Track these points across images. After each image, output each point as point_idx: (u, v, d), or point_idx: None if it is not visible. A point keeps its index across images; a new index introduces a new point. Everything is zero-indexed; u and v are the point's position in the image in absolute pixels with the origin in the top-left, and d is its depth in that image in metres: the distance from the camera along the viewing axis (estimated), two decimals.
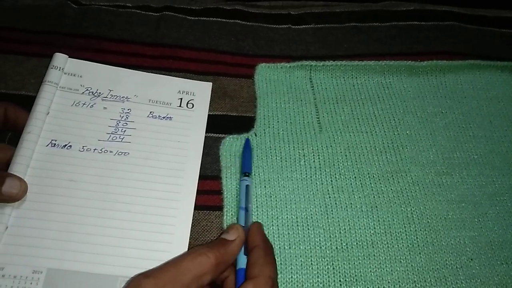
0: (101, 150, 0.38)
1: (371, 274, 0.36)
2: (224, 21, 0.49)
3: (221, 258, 0.28)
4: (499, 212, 0.40)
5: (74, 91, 0.40)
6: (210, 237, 0.37)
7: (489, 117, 0.46)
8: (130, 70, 0.43)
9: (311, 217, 0.38)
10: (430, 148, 0.43)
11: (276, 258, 0.35)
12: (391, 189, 0.40)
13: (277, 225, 0.37)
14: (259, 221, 0.37)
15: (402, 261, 0.37)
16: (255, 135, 0.42)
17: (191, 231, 0.36)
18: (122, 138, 0.39)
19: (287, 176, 0.40)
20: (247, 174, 0.37)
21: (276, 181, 0.39)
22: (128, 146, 0.38)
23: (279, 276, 0.35)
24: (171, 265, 0.27)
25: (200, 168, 0.39)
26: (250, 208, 0.35)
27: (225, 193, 0.38)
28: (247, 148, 0.39)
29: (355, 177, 0.40)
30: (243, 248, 0.31)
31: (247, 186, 0.36)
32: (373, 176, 0.40)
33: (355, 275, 0.36)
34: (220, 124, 0.42)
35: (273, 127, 0.42)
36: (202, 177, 0.39)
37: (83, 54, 0.43)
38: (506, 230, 0.40)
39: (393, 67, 0.47)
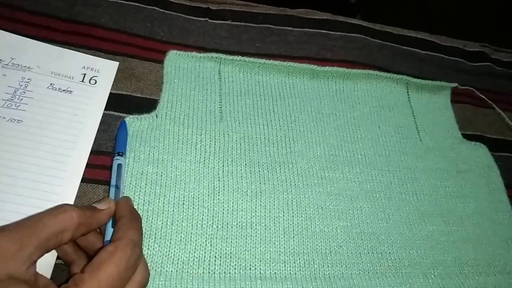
0: None
1: (245, 253, 0.39)
2: (142, 6, 0.50)
3: (85, 220, 0.28)
4: (373, 207, 0.45)
5: None
6: None
7: (378, 123, 0.51)
8: (37, 41, 0.43)
9: (198, 198, 0.40)
10: (318, 145, 0.46)
11: (156, 233, 0.37)
12: (277, 177, 0.43)
13: (163, 203, 0.39)
14: (147, 198, 0.38)
15: (276, 243, 0.40)
16: (156, 117, 0.43)
17: (77, 203, 0.37)
18: (18, 106, 0.39)
19: (181, 158, 0.42)
20: (120, 153, 0.38)
21: (169, 162, 0.41)
22: (22, 114, 0.39)
23: (157, 249, 0.36)
24: (30, 219, 0.27)
25: (96, 144, 0.40)
26: (121, 186, 0.36)
27: None
28: (122, 128, 0.40)
29: (245, 164, 0.43)
30: (111, 222, 0.32)
31: (119, 165, 0.37)
32: (263, 165, 0.43)
33: (231, 253, 0.38)
34: (122, 104, 0.44)
35: (175, 111, 0.44)
36: (95, 152, 0.40)
37: None
38: (376, 223, 0.44)
39: (297, 69, 0.50)
